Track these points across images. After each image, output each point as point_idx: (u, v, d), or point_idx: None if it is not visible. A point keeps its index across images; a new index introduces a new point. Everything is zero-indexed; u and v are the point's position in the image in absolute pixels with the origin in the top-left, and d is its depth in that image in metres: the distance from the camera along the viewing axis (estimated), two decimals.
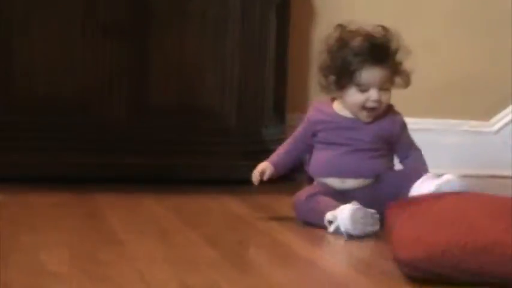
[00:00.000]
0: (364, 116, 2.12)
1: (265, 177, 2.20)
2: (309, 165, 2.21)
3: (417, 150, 2.26)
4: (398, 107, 3.20)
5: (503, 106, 3.35)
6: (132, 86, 2.72)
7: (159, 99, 2.74)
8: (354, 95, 2.10)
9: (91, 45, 2.68)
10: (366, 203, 1.98)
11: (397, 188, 2.08)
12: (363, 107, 2.11)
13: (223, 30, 2.76)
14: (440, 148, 3.25)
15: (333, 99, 2.19)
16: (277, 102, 3.01)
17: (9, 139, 2.62)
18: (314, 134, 2.17)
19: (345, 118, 2.15)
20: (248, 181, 2.69)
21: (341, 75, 2.10)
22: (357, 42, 2.11)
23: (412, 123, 3.11)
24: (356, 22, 2.15)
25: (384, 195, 2.04)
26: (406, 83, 2.19)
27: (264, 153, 2.78)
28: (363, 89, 2.10)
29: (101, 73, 2.69)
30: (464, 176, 3.09)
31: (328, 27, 3.18)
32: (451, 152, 3.25)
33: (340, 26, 2.16)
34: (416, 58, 3.21)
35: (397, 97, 3.21)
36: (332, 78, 2.13)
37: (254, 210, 2.32)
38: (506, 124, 3.33)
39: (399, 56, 2.15)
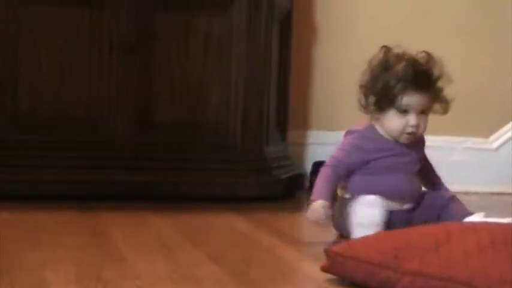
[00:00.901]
0: (404, 138, 2.16)
1: (326, 216, 2.10)
2: (353, 188, 2.17)
3: (434, 169, 2.31)
4: None
5: (503, 123, 3.36)
6: (137, 104, 2.73)
7: (163, 117, 2.75)
8: (392, 119, 2.13)
9: (96, 63, 2.70)
10: (402, 225, 2.03)
11: (431, 211, 2.15)
12: (402, 132, 2.14)
13: (228, 48, 2.78)
14: (441, 165, 3.25)
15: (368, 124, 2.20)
16: (279, 120, 3.03)
17: (15, 157, 2.64)
18: (367, 162, 2.16)
19: (397, 144, 2.17)
20: (251, 198, 2.72)
21: (382, 97, 2.12)
22: (400, 66, 2.12)
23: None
24: (401, 46, 2.16)
25: (417, 218, 2.12)
26: (445, 110, 2.21)
27: (266, 171, 2.80)
28: (402, 113, 2.12)
29: (106, 91, 2.71)
30: (465, 193, 3.13)
31: (329, 45, 3.23)
32: (451, 169, 3.26)
33: (385, 48, 2.17)
34: None
35: None
36: (372, 99, 2.14)
37: (257, 227, 2.33)
38: (506, 141, 3.34)
39: (441, 83, 2.17)
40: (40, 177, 2.61)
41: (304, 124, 3.25)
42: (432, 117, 3.26)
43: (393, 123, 2.13)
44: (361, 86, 2.17)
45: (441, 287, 1.46)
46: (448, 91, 3.25)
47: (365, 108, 2.17)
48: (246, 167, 2.78)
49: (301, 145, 3.22)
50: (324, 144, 3.21)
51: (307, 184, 3.07)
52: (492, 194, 3.19)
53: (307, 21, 3.22)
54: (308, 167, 3.15)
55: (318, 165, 3.11)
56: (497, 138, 3.35)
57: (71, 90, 2.69)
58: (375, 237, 1.71)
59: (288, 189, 2.90)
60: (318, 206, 2.07)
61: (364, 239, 1.72)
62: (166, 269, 1.74)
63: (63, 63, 2.69)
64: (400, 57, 2.15)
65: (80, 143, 2.69)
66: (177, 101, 2.76)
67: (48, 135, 2.67)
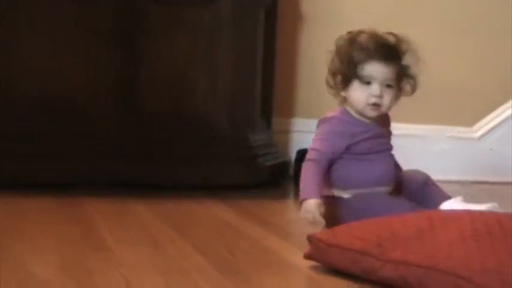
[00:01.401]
0: (368, 111, 2.11)
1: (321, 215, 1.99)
2: (338, 179, 2.11)
3: None
4: (394, 115, 3.25)
5: (487, 113, 3.37)
6: (122, 93, 2.72)
7: (150, 106, 2.74)
8: (356, 90, 2.10)
9: (83, 52, 2.68)
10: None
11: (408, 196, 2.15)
12: (367, 103, 2.10)
13: (215, 37, 2.77)
14: (425, 154, 3.27)
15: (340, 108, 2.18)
16: (265, 107, 3.03)
17: None
18: (348, 147, 2.11)
19: (371, 125, 2.15)
20: (236, 186, 2.72)
21: (347, 70, 2.10)
22: (363, 37, 2.13)
23: (397, 128, 3.15)
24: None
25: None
26: (413, 88, 2.20)
27: (251, 159, 2.80)
28: (365, 82, 2.09)
29: (93, 79, 2.69)
30: (448, 182, 3.14)
31: (316, 33, 3.23)
32: (435, 158, 3.28)
33: (352, 31, 2.18)
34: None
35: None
36: (339, 77, 2.13)
37: (242, 215, 2.33)
38: (490, 130, 3.36)
39: (407, 59, 2.16)
40: (24, 165, 2.60)
41: (289, 112, 3.25)
42: (416, 106, 3.28)
43: (357, 93, 2.10)
44: (329, 67, 2.16)
45: (423, 275, 1.47)
46: (434, 80, 3.29)
47: (334, 88, 2.15)
48: (231, 154, 2.78)
49: (286, 133, 3.23)
50: (309, 132, 3.21)
51: (292, 172, 3.08)
52: (475, 182, 3.20)
53: (293, 9, 3.22)
54: (293, 155, 3.15)
55: (302, 153, 3.12)
56: (481, 127, 3.37)
57: (57, 79, 2.67)
58: (358, 225, 1.72)
59: (273, 177, 2.90)
60: (311, 205, 1.97)
61: (348, 226, 1.73)
62: (151, 258, 1.74)
63: (46, 52, 2.67)
64: (364, 31, 2.15)
65: (64, 131, 2.67)
66: (163, 90, 2.75)
67: (31, 123, 2.65)
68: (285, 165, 3.04)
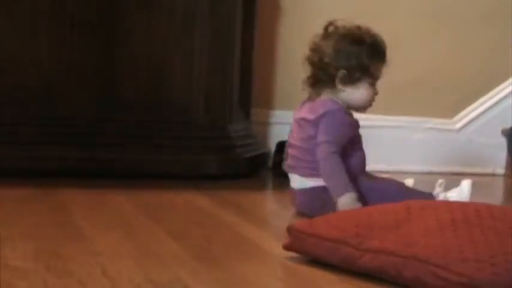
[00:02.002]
0: (364, 108, 2.22)
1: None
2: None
3: None
4: (374, 106, 3.25)
5: (466, 104, 3.38)
6: (99, 80, 2.71)
7: (125, 94, 2.73)
8: (367, 88, 2.18)
9: (58, 38, 2.67)
10: None
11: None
12: (369, 102, 2.20)
13: (192, 25, 2.76)
14: (404, 145, 3.28)
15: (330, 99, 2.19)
16: (243, 98, 3.02)
17: None
18: (351, 138, 2.18)
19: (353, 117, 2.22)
20: (215, 177, 2.71)
21: (355, 70, 2.15)
22: (369, 39, 2.19)
23: (377, 120, 3.17)
24: (342, 21, 2.22)
25: None
26: None
27: (230, 149, 2.80)
28: (372, 85, 2.19)
29: (68, 66, 2.68)
30: (428, 173, 3.15)
31: (295, 24, 3.22)
32: (414, 149, 3.28)
33: (332, 23, 2.23)
34: (392, 55, 3.26)
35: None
36: (342, 72, 2.15)
37: (220, 205, 2.33)
38: (469, 122, 3.37)
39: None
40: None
41: (269, 103, 3.24)
42: (396, 98, 3.30)
43: (365, 92, 2.18)
44: (317, 61, 2.18)
45: (401, 265, 1.47)
46: (414, 72, 3.30)
47: (325, 82, 2.17)
48: (209, 145, 2.77)
49: (265, 124, 3.22)
50: (287, 123, 3.21)
51: (270, 163, 3.08)
52: (455, 174, 3.21)
53: (272, 0, 3.21)
54: (272, 146, 3.15)
55: (281, 145, 3.12)
56: (461, 119, 3.37)
57: (32, 66, 2.66)
58: (337, 215, 1.72)
59: (251, 168, 2.89)
60: (350, 200, 2.03)
61: (326, 217, 1.72)
62: (127, 246, 1.73)
63: (24, 38, 2.65)
64: (360, 30, 2.20)
65: (40, 119, 2.66)
66: (139, 78, 2.74)
67: (7, 110, 2.63)
68: (263, 156, 3.04)
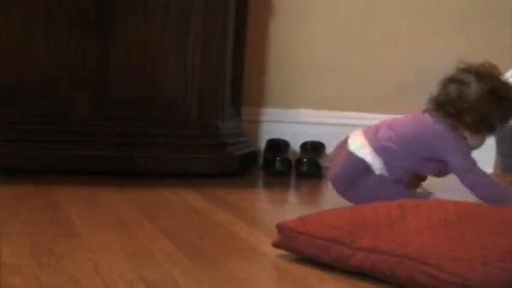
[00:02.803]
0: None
1: None
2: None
3: None
4: (355, 103, 3.26)
5: None
6: (93, 78, 2.71)
7: (119, 91, 2.73)
8: (481, 140, 2.20)
9: (54, 36, 2.66)
10: None
11: None
12: (471, 149, 2.21)
13: (186, 23, 2.76)
14: None
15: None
16: (235, 96, 3.02)
17: None
18: None
19: None
20: (206, 174, 2.72)
21: (482, 121, 2.15)
22: (508, 101, 2.17)
23: (369, 118, 3.17)
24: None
25: None
26: None
27: (221, 147, 2.80)
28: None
29: (63, 64, 2.68)
30: None
31: (286, 23, 3.22)
32: None
33: (494, 68, 2.22)
34: (374, 52, 3.27)
35: (355, 93, 3.26)
36: (469, 117, 2.14)
37: (212, 203, 2.33)
38: None
39: None
40: None
41: (259, 101, 3.25)
42: (390, 96, 3.30)
43: (477, 142, 2.20)
44: (459, 98, 2.17)
45: (394, 263, 1.47)
46: (400, 69, 3.30)
47: (450, 114, 2.17)
48: (201, 142, 2.77)
49: (256, 122, 3.22)
50: (278, 122, 3.22)
51: (261, 161, 3.08)
52: None
53: None
54: (262, 145, 3.15)
55: (272, 143, 3.13)
56: None
57: (28, 63, 2.66)
58: (329, 213, 1.72)
59: (242, 166, 2.90)
60: None
61: (318, 214, 1.73)
62: (120, 243, 1.73)
63: (20, 36, 2.65)
64: (506, 88, 2.18)
65: (35, 117, 2.65)
66: (133, 76, 2.74)
67: (3, 108, 2.63)
68: (254, 154, 3.04)
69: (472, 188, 2.13)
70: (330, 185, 2.29)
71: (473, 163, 2.15)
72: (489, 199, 2.08)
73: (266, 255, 1.71)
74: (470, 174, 2.13)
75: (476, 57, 3.32)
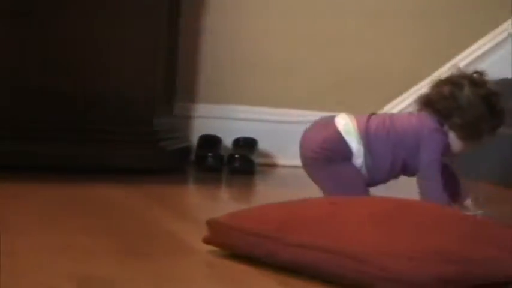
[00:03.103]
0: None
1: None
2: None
3: None
4: (299, 101, 3.27)
5: (389, 100, 3.41)
6: (30, 72, 2.67)
7: (56, 86, 2.70)
8: (467, 146, 2.16)
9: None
10: None
11: None
12: (459, 153, 2.17)
13: (118, 17, 2.74)
14: None
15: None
16: (168, 91, 3.01)
17: None
18: None
19: None
20: (139, 170, 2.70)
21: (470, 126, 2.12)
22: (500, 112, 2.13)
23: (303, 115, 3.18)
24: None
25: None
26: None
27: (154, 143, 2.79)
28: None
29: (8, 61, 2.64)
30: None
31: (219, 19, 3.22)
32: None
33: (482, 76, 2.17)
34: (307, 50, 3.29)
35: (299, 91, 3.27)
36: (458, 119, 2.11)
37: (144, 199, 2.32)
38: None
39: None
40: None
41: (192, 97, 3.24)
42: (330, 95, 3.32)
43: (465, 147, 2.16)
44: (451, 98, 2.13)
45: (323, 259, 1.48)
46: (346, 69, 3.32)
47: (438, 112, 2.14)
48: (134, 138, 2.75)
49: (189, 118, 3.21)
50: (211, 117, 3.22)
51: (193, 157, 3.07)
52: None
53: None
54: (195, 140, 3.15)
55: (204, 139, 3.13)
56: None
57: None
58: (260, 208, 1.72)
59: (176, 161, 2.89)
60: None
61: (249, 210, 1.73)
62: (54, 241, 1.71)
63: None
64: (498, 97, 2.14)
65: None
66: (68, 70, 2.71)
67: None
68: (187, 150, 3.04)
69: (421, 181, 2.11)
70: (298, 150, 2.18)
71: (438, 161, 2.12)
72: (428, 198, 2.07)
73: (197, 251, 1.71)
74: (429, 170, 2.10)
75: (410, 56, 3.38)
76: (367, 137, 2.10)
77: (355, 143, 2.09)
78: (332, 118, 2.14)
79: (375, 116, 2.17)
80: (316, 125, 2.17)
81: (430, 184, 2.08)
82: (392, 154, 2.10)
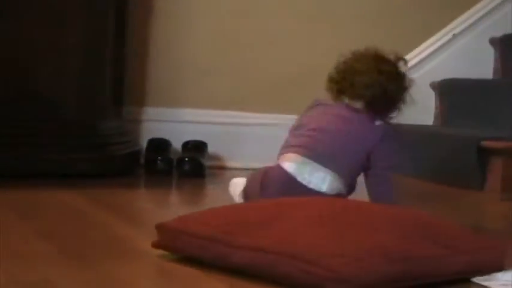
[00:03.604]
0: None
1: None
2: None
3: None
4: (239, 102, 3.27)
5: None
6: None
7: None
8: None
9: None
10: None
11: None
12: None
13: (64, 19, 2.72)
14: (280, 143, 3.31)
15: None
16: (116, 95, 2.99)
17: None
18: None
19: None
20: (87, 175, 2.68)
21: (389, 104, 2.15)
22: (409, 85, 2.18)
23: (252, 117, 3.19)
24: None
25: None
26: None
27: (101, 147, 2.77)
28: None
29: None
30: None
31: (167, 22, 3.21)
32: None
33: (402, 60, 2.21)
34: (256, 52, 3.30)
35: (237, 92, 3.28)
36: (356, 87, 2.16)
37: (92, 203, 2.30)
38: None
39: None
40: None
41: (141, 100, 3.23)
42: (272, 95, 3.32)
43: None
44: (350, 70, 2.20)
45: (273, 261, 1.49)
46: (288, 68, 3.33)
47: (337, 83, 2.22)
48: (82, 143, 2.74)
49: (138, 121, 3.20)
50: (160, 121, 3.20)
51: (143, 161, 3.06)
52: None
53: None
54: (144, 144, 3.13)
55: (154, 142, 3.11)
56: None
57: None
58: (209, 212, 1.72)
59: (124, 165, 2.87)
60: None
61: (198, 214, 1.73)
62: None
63: None
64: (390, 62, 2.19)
65: None
66: (8, 72, 2.68)
67: None
68: (136, 154, 3.02)
69: (371, 181, 2.08)
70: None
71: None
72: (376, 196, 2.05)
73: (146, 256, 1.70)
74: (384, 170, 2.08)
75: None
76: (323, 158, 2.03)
77: (316, 179, 2.00)
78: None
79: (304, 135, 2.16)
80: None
81: (382, 180, 2.09)
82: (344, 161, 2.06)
